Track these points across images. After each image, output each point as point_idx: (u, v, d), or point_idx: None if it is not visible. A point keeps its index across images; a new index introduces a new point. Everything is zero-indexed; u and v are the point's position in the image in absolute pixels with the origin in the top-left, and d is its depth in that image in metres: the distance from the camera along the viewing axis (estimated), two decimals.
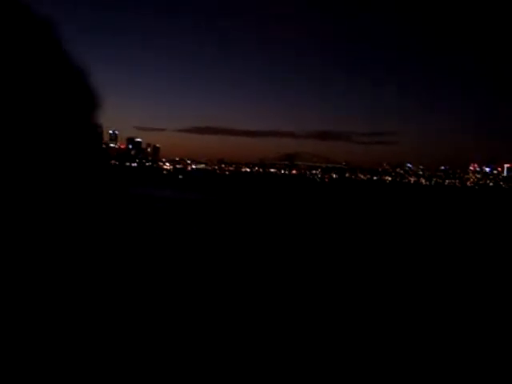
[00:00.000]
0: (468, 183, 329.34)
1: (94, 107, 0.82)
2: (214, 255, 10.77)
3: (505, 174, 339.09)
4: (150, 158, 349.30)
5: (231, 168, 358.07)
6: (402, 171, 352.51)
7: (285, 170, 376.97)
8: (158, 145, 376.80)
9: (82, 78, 0.80)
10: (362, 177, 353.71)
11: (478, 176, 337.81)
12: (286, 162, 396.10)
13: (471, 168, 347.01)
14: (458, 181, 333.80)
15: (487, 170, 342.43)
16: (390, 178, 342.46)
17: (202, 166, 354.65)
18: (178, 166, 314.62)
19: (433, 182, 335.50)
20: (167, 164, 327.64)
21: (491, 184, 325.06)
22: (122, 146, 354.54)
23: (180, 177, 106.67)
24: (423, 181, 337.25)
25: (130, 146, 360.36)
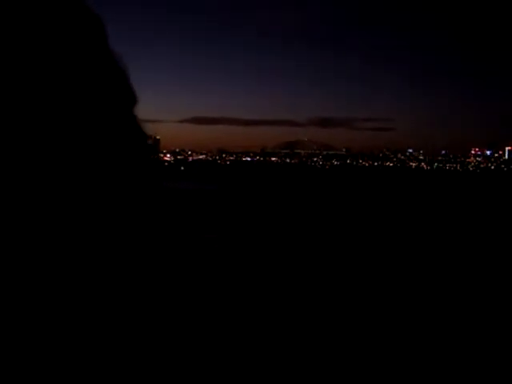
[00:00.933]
0: (470, 167, 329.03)
1: (135, 104, 0.55)
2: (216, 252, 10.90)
3: (506, 156, 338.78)
4: None
5: (232, 158, 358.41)
6: (403, 157, 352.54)
7: (285, 158, 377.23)
8: (158, 136, 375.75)
9: (125, 76, 0.55)
10: (364, 163, 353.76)
11: (479, 159, 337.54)
12: (287, 151, 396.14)
13: (472, 152, 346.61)
14: (459, 165, 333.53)
15: (488, 153, 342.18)
16: (391, 164, 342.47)
17: (203, 156, 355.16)
18: (178, 157, 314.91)
19: (434, 166, 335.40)
20: (168, 155, 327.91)
21: (492, 167, 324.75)
22: None
23: (182, 168, 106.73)
24: (424, 166, 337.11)
25: None
